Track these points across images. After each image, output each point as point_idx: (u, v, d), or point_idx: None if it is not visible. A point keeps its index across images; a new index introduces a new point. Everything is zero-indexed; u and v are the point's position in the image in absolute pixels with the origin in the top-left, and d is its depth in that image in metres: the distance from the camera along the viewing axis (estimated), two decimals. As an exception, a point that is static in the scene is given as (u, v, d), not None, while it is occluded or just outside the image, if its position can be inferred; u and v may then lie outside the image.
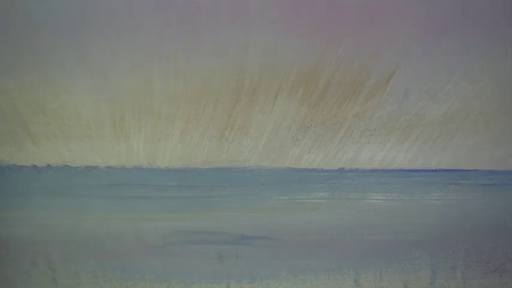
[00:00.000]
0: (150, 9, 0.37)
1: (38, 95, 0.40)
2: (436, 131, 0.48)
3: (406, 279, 0.53)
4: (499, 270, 0.54)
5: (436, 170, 0.50)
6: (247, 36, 0.39)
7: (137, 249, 0.46)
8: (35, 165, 0.44)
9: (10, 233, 0.46)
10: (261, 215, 0.48)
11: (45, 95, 0.41)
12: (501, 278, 0.54)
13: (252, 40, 0.40)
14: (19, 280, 0.47)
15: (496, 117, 0.48)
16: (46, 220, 0.46)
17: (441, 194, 0.51)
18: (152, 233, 0.48)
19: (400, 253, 0.52)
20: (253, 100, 0.43)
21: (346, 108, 0.45)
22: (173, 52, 0.39)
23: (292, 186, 0.48)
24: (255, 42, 0.40)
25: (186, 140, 0.45)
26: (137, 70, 0.40)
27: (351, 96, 0.44)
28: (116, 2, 0.37)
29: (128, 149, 0.44)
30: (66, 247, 0.47)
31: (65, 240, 0.47)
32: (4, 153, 0.43)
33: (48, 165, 0.44)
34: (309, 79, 0.43)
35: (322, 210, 0.49)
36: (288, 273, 0.50)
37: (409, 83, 0.44)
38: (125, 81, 0.41)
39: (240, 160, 0.47)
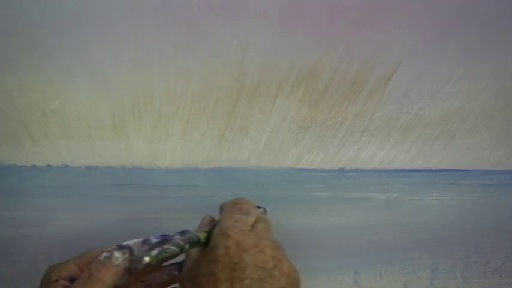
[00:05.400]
0: (150, 9, 0.37)
1: (38, 95, 0.40)
2: (436, 131, 0.48)
3: (406, 279, 0.53)
4: (499, 270, 0.54)
5: (436, 170, 0.50)
6: (247, 36, 0.39)
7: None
8: (35, 165, 0.44)
9: (10, 233, 0.46)
10: (261, 215, 0.48)
11: (45, 95, 0.41)
12: (501, 278, 0.54)
13: (252, 40, 0.40)
14: (19, 280, 0.47)
15: (496, 117, 0.48)
16: (46, 220, 0.46)
17: (441, 194, 0.51)
18: (152, 233, 0.48)
19: (400, 253, 0.52)
20: (253, 100, 0.43)
21: (346, 108, 0.45)
22: (173, 52, 0.39)
23: (292, 186, 0.48)
24: (255, 42, 0.40)
25: (186, 140, 0.45)
26: (137, 70, 0.40)
27: (351, 96, 0.44)
28: (116, 2, 0.37)
29: (128, 149, 0.44)
30: (67, 247, 0.47)
31: (65, 240, 0.47)
32: (4, 153, 0.43)
33: (48, 165, 0.44)
34: (309, 79, 0.43)
35: (322, 210, 0.49)
36: (288, 273, 0.50)
37: (409, 83, 0.44)
38: (125, 81, 0.41)
39: (240, 160, 0.47)
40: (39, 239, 0.46)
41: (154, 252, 0.32)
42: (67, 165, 0.45)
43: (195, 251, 0.34)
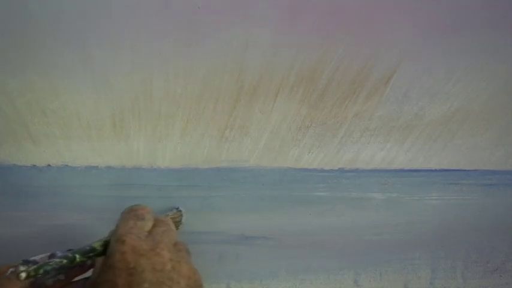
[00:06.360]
0: (150, 9, 0.37)
1: (38, 95, 0.40)
2: (436, 131, 0.48)
3: (406, 279, 0.53)
4: (499, 270, 0.54)
5: (436, 170, 0.50)
6: (247, 36, 0.39)
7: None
8: (35, 165, 0.44)
9: (10, 233, 0.46)
10: (261, 215, 0.48)
11: (45, 95, 0.41)
12: (501, 278, 0.54)
13: (252, 40, 0.40)
14: (19, 280, 0.47)
15: (496, 117, 0.48)
16: (46, 220, 0.46)
17: (441, 194, 0.51)
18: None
19: (400, 253, 0.52)
20: (253, 100, 0.43)
21: (346, 108, 0.45)
22: (173, 52, 0.39)
23: (292, 186, 0.48)
24: (255, 42, 0.40)
25: (186, 140, 0.45)
26: (137, 70, 0.40)
27: (351, 96, 0.44)
28: (116, 2, 0.37)
29: (127, 149, 0.44)
30: (66, 247, 0.47)
31: (65, 240, 0.47)
32: (4, 153, 0.43)
33: (48, 165, 0.44)
34: (309, 79, 0.43)
35: (322, 210, 0.49)
36: (288, 273, 0.50)
37: (409, 83, 0.44)
38: (125, 81, 0.41)
39: (240, 160, 0.47)
40: (39, 239, 0.46)
41: (33, 266, 0.31)
42: (67, 165, 0.45)
43: (99, 262, 0.33)
